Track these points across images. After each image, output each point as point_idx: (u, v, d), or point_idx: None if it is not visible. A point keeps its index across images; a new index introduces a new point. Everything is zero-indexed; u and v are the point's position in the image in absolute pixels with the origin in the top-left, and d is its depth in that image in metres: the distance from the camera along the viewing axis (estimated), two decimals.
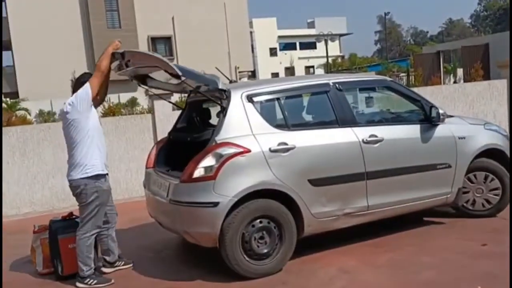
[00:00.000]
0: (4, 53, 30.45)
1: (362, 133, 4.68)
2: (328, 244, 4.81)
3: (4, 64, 31.24)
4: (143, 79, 5.10)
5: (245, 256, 4.20)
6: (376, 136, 4.71)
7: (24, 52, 25.26)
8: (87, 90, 4.21)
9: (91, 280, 4.27)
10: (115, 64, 4.55)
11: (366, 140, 4.66)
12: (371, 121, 5.19)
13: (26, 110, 20.62)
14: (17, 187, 7.42)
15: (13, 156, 7.41)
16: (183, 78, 4.19)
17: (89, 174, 4.21)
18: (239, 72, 30.48)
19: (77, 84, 4.36)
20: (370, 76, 7.85)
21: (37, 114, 21.78)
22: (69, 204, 7.39)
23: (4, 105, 22.25)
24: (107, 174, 4.38)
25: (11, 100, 23.80)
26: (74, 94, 4.26)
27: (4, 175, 7.34)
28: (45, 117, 21.55)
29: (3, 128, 7.66)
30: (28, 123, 15.74)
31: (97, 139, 4.29)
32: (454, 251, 4.54)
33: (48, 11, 24.97)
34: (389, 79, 5.68)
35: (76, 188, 4.24)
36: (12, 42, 25.75)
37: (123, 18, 26.90)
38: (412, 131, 4.98)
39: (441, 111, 4.99)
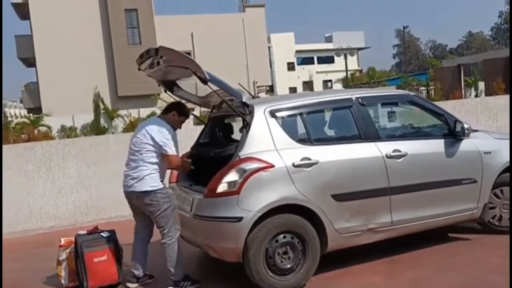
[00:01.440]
0: (29, 70, 31.18)
1: (385, 147, 4.66)
2: (351, 260, 4.77)
3: (28, 80, 31.90)
4: (170, 86, 5.17)
5: (268, 271, 4.19)
6: (399, 151, 4.68)
7: (47, 68, 25.75)
8: (169, 151, 4.39)
9: (185, 283, 4.43)
10: (147, 61, 4.65)
11: (390, 155, 4.64)
12: (394, 136, 5.17)
13: (48, 127, 21.00)
14: (42, 201, 7.53)
15: (38, 171, 7.54)
16: (209, 84, 4.33)
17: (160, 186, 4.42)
18: (257, 86, 30.60)
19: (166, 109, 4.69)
20: (393, 90, 7.84)
21: (59, 129, 22.13)
22: (92, 218, 7.51)
23: (27, 120, 22.70)
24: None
25: (34, 116, 24.27)
26: (166, 137, 4.39)
27: (30, 189, 7.47)
28: (67, 132, 21.88)
29: (29, 143, 7.83)
30: (50, 138, 16.01)
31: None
32: (480, 268, 4.46)
33: (70, 29, 25.49)
34: (412, 93, 5.65)
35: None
36: (36, 59, 26.31)
37: (143, 34, 27.31)
38: (436, 146, 4.94)
39: (466, 126, 4.95)
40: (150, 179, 4.36)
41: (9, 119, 24.01)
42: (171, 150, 4.39)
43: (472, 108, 9.51)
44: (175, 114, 4.61)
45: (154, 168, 4.39)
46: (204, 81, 4.28)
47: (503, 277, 4.20)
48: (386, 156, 4.62)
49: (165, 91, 5.30)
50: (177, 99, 5.42)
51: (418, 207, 4.77)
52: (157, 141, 4.36)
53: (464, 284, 4.16)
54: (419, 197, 4.76)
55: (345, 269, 4.66)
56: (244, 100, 4.43)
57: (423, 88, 25.92)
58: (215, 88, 4.54)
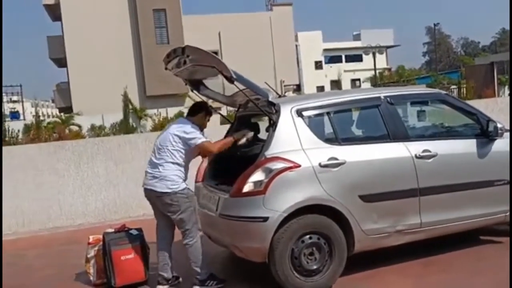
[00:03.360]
0: (60, 70, 31.85)
1: (415, 148, 4.56)
2: (379, 262, 4.68)
3: (59, 80, 32.61)
4: (197, 86, 5.20)
5: (294, 272, 4.15)
6: (429, 151, 4.57)
7: (78, 68, 26.30)
8: (196, 140, 4.39)
9: (211, 282, 4.44)
10: (174, 61, 4.68)
11: (419, 155, 4.53)
12: (424, 136, 5.06)
13: (79, 126, 21.44)
14: (71, 199, 7.67)
15: (68, 169, 7.67)
16: (235, 83, 4.32)
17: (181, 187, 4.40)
18: (285, 85, 30.54)
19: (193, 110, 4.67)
20: (423, 89, 7.67)
21: (88, 128, 22.56)
22: (120, 216, 7.60)
23: (58, 119, 23.21)
24: None
25: (66, 115, 24.81)
26: (190, 129, 4.41)
27: (60, 187, 7.61)
28: (97, 131, 22.30)
29: (60, 142, 7.97)
30: (80, 137, 16.34)
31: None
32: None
33: (100, 29, 25.97)
34: (443, 92, 5.52)
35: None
36: (67, 59, 26.90)
37: (171, 34, 27.60)
38: (467, 146, 4.81)
39: (499, 125, 4.80)
40: (172, 180, 4.34)
41: (41, 118, 24.58)
42: (200, 139, 4.38)
43: (506, 107, 9.22)
44: (204, 115, 4.63)
45: (177, 168, 4.38)
46: (231, 80, 4.28)
47: None
48: (416, 156, 4.52)
49: (192, 90, 5.32)
50: (204, 98, 5.44)
51: (448, 208, 4.66)
52: (183, 137, 4.36)
53: None
54: (450, 199, 4.64)
55: (372, 271, 4.58)
56: (270, 99, 4.40)
57: (454, 86, 25.40)
58: (241, 87, 4.52)
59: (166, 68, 4.98)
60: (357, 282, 4.40)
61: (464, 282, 4.26)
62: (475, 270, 4.49)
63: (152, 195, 4.45)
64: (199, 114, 4.62)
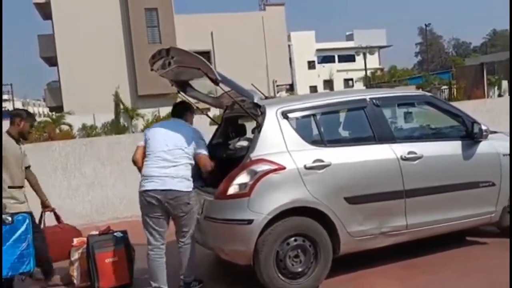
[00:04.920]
0: (51, 69, 31.67)
1: (400, 149, 4.56)
2: (365, 264, 4.68)
3: (50, 79, 32.39)
4: (183, 87, 5.17)
5: (279, 274, 4.14)
6: (415, 153, 4.58)
7: (69, 67, 26.13)
8: (202, 154, 4.38)
9: (195, 283, 4.42)
10: (159, 62, 4.65)
11: (405, 157, 4.54)
12: (410, 137, 5.07)
13: (70, 125, 21.29)
14: (58, 200, 7.56)
15: (55, 170, 7.61)
16: (220, 84, 4.28)
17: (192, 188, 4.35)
18: (277, 85, 30.53)
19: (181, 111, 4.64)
20: (409, 91, 7.71)
21: (80, 128, 22.44)
22: (107, 217, 7.56)
23: (49, 119, 23.06)
24: None
25: (57, 114, 24.67)
26: (202, 138, 4.48)
27: (47, 188, 7.53)
28: (88, 131, 22.19)
29: (46, 143, 7.91)
30: (71, 136, 16.22)
31: None
32: (498, 274, 4.33)
33: (92, 29, 25.81)
34: (428, 94, 5.53)
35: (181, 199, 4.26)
36: (58, 58, 26.73)
37: (163, 33, 27.48)
38: (453, 147, 4.82)
39: (483, 127, 4.81)
40: (190, 180, 4.30)
41: None
42: (205, 152, 4.39)
43: (494, 108, 9.29)
44: (190, 114, 4.62)
45: (191, 168, 4.34)
46: (215, 82, 4.26)
47: None
48: (401, 158, 4.53)
49: (178, 92, 5.28)
50: (191, 99, 5.42)
51: (434, 210, 4.67)
52: (196, 143, 4.36)
53: None
54: (435, 200, 4.65)
55: (358, 273, 4.58)
56: (255, 101, 4.39)
57: (445, 87, 25.49)
58: (226, 89, 4.50)
59: (152, 69, 4.96)
60: (342, 284, 4.39)
61: (450, 283, 4.27)
62: (461, 271, 4.49)
63: (167, 196, 4.16)
64: (186, 114, 4.60)
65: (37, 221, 4.87)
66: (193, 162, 4.35)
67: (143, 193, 4.24)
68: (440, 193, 4.66)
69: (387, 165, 4.50)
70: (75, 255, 4.72)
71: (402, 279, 4.41)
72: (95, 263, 4.51)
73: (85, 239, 4.74)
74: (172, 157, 4.26)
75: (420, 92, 6.27)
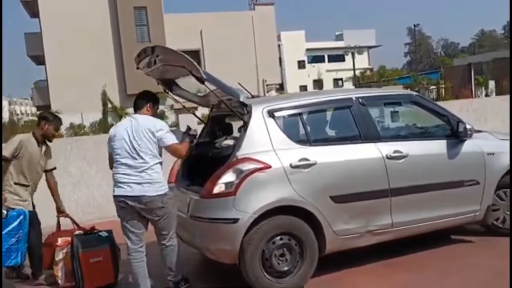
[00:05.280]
0: (38, 68, 31.38)
1: (386, 148, 4.58)
2: (350, 262, 4.69)
3: (38, 78, 32.07)
4: (169, 85, 5.14)
5: (265, 273, 4.13)
6: (400, 152, 4.60)
7: (56, 66, 25.89)
8: (169, 140, 4.16)
9: (182, 283, 4.35)
10: (145, 60, 4.60)
11: (390, 155, 4.56)
12: (395, 137, 5.09)
13: None
14: (44, 200, 7.53)
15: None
16: (206, 83, 4.25)
17: (168, 188, 4.22)
18: (267, 85, 30.53)
19: (143, 99, 4.34)
20: (395, 90, 7.73)
21: (67, 127, 22.26)
22: (95, 217, 7.48)
23: (36, 118, 22.82)
24: None
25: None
26: (165, 128, 4.18)
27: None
28: (76, 130, 22.03)
29: None
30: (58, 135, 16.05)
31: None
32: (483, 272, 4.37)
33: (79, 27, 25.59)
34: (414, 93, 5.56)
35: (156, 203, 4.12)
36: (45, 57, 26.48)
37: (152, 32, 27.32)
38: (438, 146, 4.85)
39: (468, 126, 4.85)
40: (161, 181, 4.14)
41: (19, 116, 24.21)
42: (174, 140, 4.18)
43: (480, 108, 9.36)
44: (152, 106, 4.33)
45: (160, 168, 4.17)
46: (201, 80, 4.24)
47: (506, 281, 4.10)
48: (387, 157, 4.55)
49: (165, 91, 5.25)
50: (177, 98, 5.39)
51: (419, 209, 4.69)
52: (159, 136, 4.10)
53: None
54: (420, 199, 4.67)
55: (344, 272, 4.59)
56: (241, 99, 4.37)
57: (434, 87, 25.68)
58: (212, 87, 4.49)
59: (137, 68, 4.92)
60: (327, 283, 4.40)
61: (434, 281, 4.29)
62: (445, 269, 4.52)
63: (140, 202, 4.05)
64: (146, 106, 4.28)
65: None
66: (161, 159, 4.17)
67: (115, 198, 4.19)
68: (425, 191, 4.68)
69: (373, 164, 4.52)
70: (60, 255, 4.67)
71: (387, 278, 4.43)
72: (80, 263, 4.47)
73: (69, 238, 4.69)
74: (136, 162, 4.07)
75: (406, 91, 6.29)
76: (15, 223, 4.46)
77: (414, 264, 4.70)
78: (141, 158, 4.08)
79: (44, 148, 4.95)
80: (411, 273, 4.51)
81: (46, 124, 4.85)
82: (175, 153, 4.33)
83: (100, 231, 4.74)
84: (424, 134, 5.20)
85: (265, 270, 4.14)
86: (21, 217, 4.51)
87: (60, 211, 5.07)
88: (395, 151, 4.59)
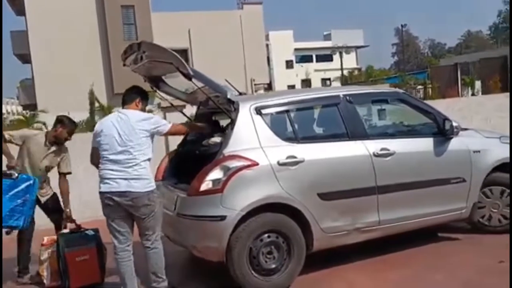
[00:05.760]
0: (24, 66, 31.01)
1: (373, 146, 4.59)
2: (337, 260, 4.70)
3: (23, 76, 31.76)
4: (156, 83, 5.09)
5: (252, 271, 4.12)
6: (387, 150, 4.61)
7: (43, 65, 25.59)
8: (166, 126, 4.16)
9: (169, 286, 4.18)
10: (132, 57, 4.56)
11: (377, 153, 4.57)
12: (382, 134, 5.10)
13: (44, 123, 20.85)
14: None
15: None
16: (193, 80, 4.21)
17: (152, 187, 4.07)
18: (255, 84, 30.52)
19: (132, 93, 4.28)
20: (382, 88, 7.76)
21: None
22: (81, 216, 7.37)
23: (22, 117, 22.62)
24: None
25: (30, 112, 24.16)
26: (152, 117, 4.17)
27: None
28: None
29: None
30: None
31: None
32: (469, 269, 4.40)
33: (66, 25, 25.33)
34: (401, 91, 5.59)
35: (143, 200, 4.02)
36: (31, 55, 26.18)
37: (140, 31, 27.13)
38: (425, 144, 4.88)
39: (454, 124, 4.88)
40: (148, 178, 4.01)
41: (5, 116, 23.91)
42: (166, 125, 4.13)
43: (466, 107, 9.45)
44: (141, 101, 4.24)
45: (148, 164, 4.06)
46: (188, 77, 4.20)
47: (492, 278, 4.15)
48: (374, 154, 4.56)
49: (152, 88, 5.21)
50: (164, 95, 5.35)
51: (406, 206, 4.71)
52: (150, 129, 4.03)
53: (450, 285, 4.10)
54: (407, 197, 4.69)
55: (331, 269, 4.60)
56: (229, 96, 4.35)
57: (421, 86, 25.84)
58: (200, 84, 4.46)
59: (124, 64, 4.88)
60: (315, 280, 4.40)
61: (424, 278, 4.31)
62: (432, 267, 4.54)
63: (127, 198, 3.94)
64: (137, 100, 4.21)
65: None
66: (150, 156, 4.06)
67: (101, 194, 4.08)
68: (412, 189, 4.70)
69: (360, 162, 4.53)
70: (45, 254, 4.61)
71: (376, 273, 4.45)
72: (65, 262, 4.42)
73: (55, 237, 4.64)
74: (125, 157, 3.97)
75: (393, 89, 6.32)
76: (23, 185, 4.53)
77: (404, 260, 4.72)
78: (130, 153, 3.97)
79: (53, 148, 4.93)
80: (401, 269, 4.53)
81: (61, 127, 4.89)
82: (179, 133, 4.47)
83: (87, 229, 4.69)
84: (411, 132, 5.22)
85: (252, 268, 4.12)
86: (30, 181, 4.58)
87: (67, 216, 4.92)
88: (382, 149, 4.60)
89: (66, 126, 4.91)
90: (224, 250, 4.06)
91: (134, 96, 4.24)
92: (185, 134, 4.94)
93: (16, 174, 4.53)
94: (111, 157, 4.03)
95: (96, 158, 4.20)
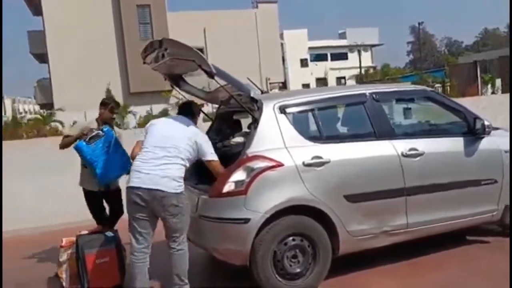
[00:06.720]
0: (41, 66, 31.29)
1: (401, 146, 4.43)
2: (365, 263, 4.55)
3: (41, 76, 32.04)
4: (176, 81, 5.00)
5: (276, 275, 4.00)
6: (416, 150, 4.45)
7: (59, 64, 25.79)
8: (209, 156, 4.10)
9: None
10: (152, 55, 4.46)
11: (406, 153, 4.40)
12: (410, 134, 4.94)
13: (61, 122, 20.95)
14: (51, 200, 7.37)
15: (40, 168, 7.42)
16: (215, 78, 4.10)
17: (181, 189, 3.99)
18: (270, 83, 30.39)
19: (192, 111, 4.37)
20: (409, 86, 7.57)
21: (71, 125, 22.11)
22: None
23: (39, 116, 22.76)
24: None
25: (47, 111, 24.32)
26: (208, 142, 4.15)
27: (29, 187, 7.30)
28: None
29: (29, 140, 7.72)
30: (60, 134, 15.94)
31: None
32: (501, 274, 4.21)
33: (83, 25, 25.47)
34: (429, 89, 5.41)
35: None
36: (48, 55, 26.38)
37: (155, 30, 27.19)
38: (455, 144, 4.70)
39: (486, 123, 4.69)
40: (179, 181, 3.93)
41: (22, 114, 24.09)
42: (213, 157, 4.07)
43: (490, 105, 9.21)
44: (196, 115, 4.36)
45: (184, 169, 4.00)
46: (210, 74, 4.08)
47: None
48: (402, 155, 4.39)
49: (172, 86, 5.11)
50: (184, 93, 5.24)
51: (435, 209, 4.54)
52: (204, 148, 4.03)
53: None
54: (436, 199, 4.53)
55: (358, 273, 4.46)
56: (252, 95, 4.22)
57: (439, 85, 25.43)
58: (222, 82, 4.33)
59: (144, 62, 4.78)
60: (342, 285, 4.27)
61: (450, 283, 4.17)
62: (465, 271, 4.38)
63: (153, 196, 3.84)
64: (196, 116, 4.35)
65: None
66: (187, 164, 4.01)
67: (129, 189, 3.94)
68: (441, 191, 4.54)
69: (388, 162, 4.37)
70: (64, 256, 4.53)
71: (404, 278, 4.31)
72: (85, 264, 4.32)
73: (74, 239, 4.54)
74: (166, 154, 3.91)
75: (420, 87, 6.13)
76: (114, 134, 4.84)
77: (433, 264, 4.57)
78: (169, 152, 3.92)
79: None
80: (432, 273, 4.40)
81: (103, 109, 5.14)
82: (214, 170, 4.13)
83: (106, 230, 4.59)
84: (439, 131, 5.05)
85: (276, 272, 4.00)
86: (113, 131, 4.87)
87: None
88: (410, 149, 4.43)
89: (106, 106, 5.14)
90: (248, 254, 3.94)
91: (190, 110, 4.35)
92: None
93: (101, 132, 4.73)
94: (151, 149, 3.98)
95: (135, 152, 4.15)
